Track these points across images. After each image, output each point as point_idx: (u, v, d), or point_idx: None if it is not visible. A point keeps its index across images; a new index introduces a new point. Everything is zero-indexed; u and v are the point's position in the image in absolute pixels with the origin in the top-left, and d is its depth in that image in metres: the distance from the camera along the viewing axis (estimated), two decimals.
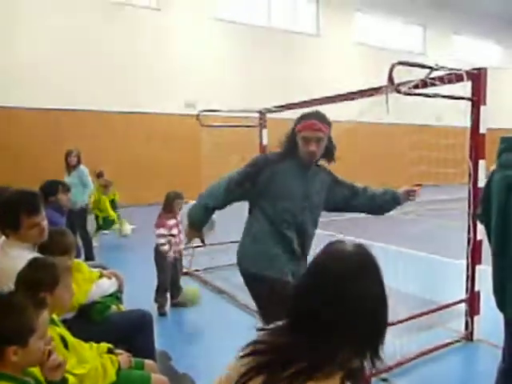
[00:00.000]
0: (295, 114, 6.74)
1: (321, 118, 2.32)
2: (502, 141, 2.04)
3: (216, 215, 2.62)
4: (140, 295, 3.98)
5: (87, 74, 12.52)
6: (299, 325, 1.09)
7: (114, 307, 2.62)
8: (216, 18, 14.83)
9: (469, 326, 3.51)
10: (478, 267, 3.48)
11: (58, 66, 12.18)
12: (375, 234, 6.44)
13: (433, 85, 3.22)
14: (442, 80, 3.25)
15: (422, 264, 5.95)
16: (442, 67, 3.14)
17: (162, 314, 4.22)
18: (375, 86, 3.51)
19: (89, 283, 2.53)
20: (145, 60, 13.43)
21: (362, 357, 1.08)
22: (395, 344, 2.90)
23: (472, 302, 3.49)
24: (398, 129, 15.15)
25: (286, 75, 15.69)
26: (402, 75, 3.04)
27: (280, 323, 1.16)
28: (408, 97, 3.16)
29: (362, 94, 3.93)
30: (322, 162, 2.53)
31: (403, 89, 3.03)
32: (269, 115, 5.91)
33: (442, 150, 4.48)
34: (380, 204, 2.61)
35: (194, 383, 2.91)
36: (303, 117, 2.35)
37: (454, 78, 3.22)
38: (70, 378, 1.64)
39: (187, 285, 3.75)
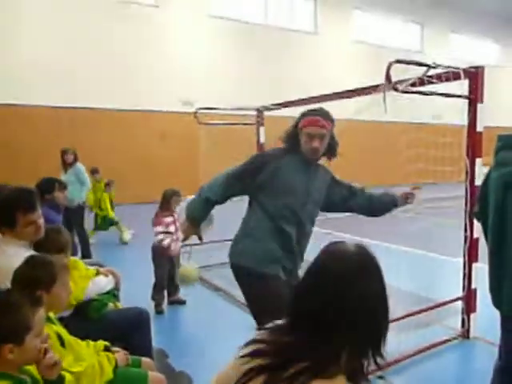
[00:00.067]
0: (292, 111, 6.73)
1: (325, 114, 2.32)
2: (499, 139, 2.05)
3: (214, 211, 2.58)
4: (137, 293, 3.98)
5: (85, 72, 12.50)
6: (300, 325, 1.09)
7: (110, 305, 2.61)
8: (213, 15, 14.80)
9: (465, 324, 3.52)
10: (474, 265, 3.49)
11: (56, 63, 12.14)
12: (372, 232, 6.45)
13: (430, 83, 3.22)
14: (439, 78, 3.26)
15: (420, 262, 5.96)
16: (440, 65, 3.14)
17: (159, 311, 4.22)
18: (373, 84, 3.51)
19: (85, 280, 2.52)
20: (142, 58, 13.39)
21: (364, 356, 1.08)
22: (392, 341, 2.90)
23: (468, 299, 3.50)
24: (396, 127, 15.17)
25: (284, 73, 15.68)
26: (399, 73, 3.03)
27: (279, 322, 1.16)
28: (405, 95, 3.16)
29: (360, 92, 3.93)
30: (324, 160, 2.52)
31: (401, 87, 3.03)
32: (266, 113, 5.90)
33: (439, 148, 4.49)
34: (377, 205, 2.60)
35: (191, 381, 2.92)
36: (307, 113, 2.34)
37: (452, 76, 3.22)
38: (67, 376, 1.64)
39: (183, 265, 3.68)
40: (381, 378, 2.83)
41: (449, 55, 19.22)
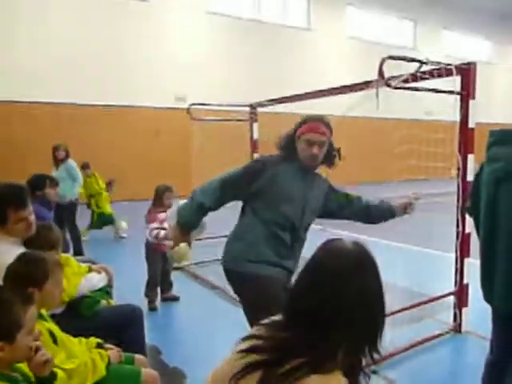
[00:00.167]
0: (286, 108, 6.71)
1: (324, 122, 2.29)
2: (490, 134, 2.06)
3: (207, 216, 2.44)
4: (130, 290, 3.97)
5: (81, 69, 12.39)
6: (297, 321, 1.09)
7: (103, 302, 2.60)
8: (206, 11, 14.73)
9: (457, 318, 3.55)
10: (466, 260, 3.52)
11: (53, 62, 12.06)
12: (365, 228, 6.46)
13: (423, 79, 3.23)
14: (431, 74, 3.27)
15: (412, 257, 6.00)
16: (432, 61, 3.15)
17: (152, 308, 4.21)
18: (366, 80, 3.51)
19: (78, 277, 2.51)
20: (134, 53, 13.31)
21: (361, 352, 1.08)
22: (385, 336, 2.92)
23: (460, 294, 3.53)
24: (388, 123, 15.24)
25: (278, 69, 15.66)
26: (392, 70, 3.04)
27: (277, 318, 1.16)
28: (398, 91, 3.16)
29: (353, 88, 3.94)
30: (323, 168, 2.47)
31: (393, 83, 3.04)
32: (259, 109, 5.89)
33: (431, 145, 4.50)
34: (374, 214, 2.57)
35: (184, 377, 2.92)
36: (307, 120, 2.30)
37: (444, 72, 3.23)
38: (59, 373, 1.63)
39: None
40: (374, 372, 2.84)
41: (441, 52, 19.29)
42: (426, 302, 3.64)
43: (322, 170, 2.48)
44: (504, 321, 2.06)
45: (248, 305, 2.26)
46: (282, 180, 2.27)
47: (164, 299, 4.43)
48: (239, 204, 2.50)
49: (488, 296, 2.07)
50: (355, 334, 1.06)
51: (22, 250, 2.11)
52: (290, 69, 15.94)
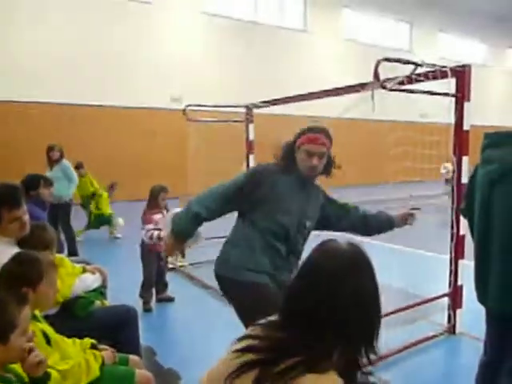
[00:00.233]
0: (281, 109, 6.71)
1: (325, 132, 2.26)
2: (485, 137, 2.07)
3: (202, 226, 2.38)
4: (125, 291, 3.95)
5: (72, 68, 12.35)
6: (292, 322, 1.09)
7: (97, 302, 2.59)
8: (203, 12, 14.73)
9: (451, 320, 3.56)
10: (461, 262, 3.53)
11: (52, 62, 12.02)
12: None
13: (418, 81, 3.25)
14: (427, 76, 3.29)
15: (407, 259, 6.02)
16: (427, 64, 3.17)
17: (147, 309, 4.19)
18: (362, 82, 3.52)
19: (72, 278, 2.50)
20: (134, 54, 13.29)
21: (357, 352, 1.09)
22: (379, 337, 2.93)
23: (455, 295, 3.54)
24: (383, 125, 15.31)
25: (274, 70, 15.68)
26: (387, 72, 3.05)
27: (272, 318, 1.16)
28: (394, 93, 3.18)
29: (348, 90, 3.95)
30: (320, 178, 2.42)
31: (389, 85, 3.05)
32: (255, 110, 5.89)
33: (426, 147, 4.52)
34: (373, 225, 2.51)
35: (179, 378, 2.91)
36: (307, 130, 2.25)
37: (439, 74, 3.25)
38: (53, 373, 1.62)
39: None
40: (369, 373, 2.85)
41: (437, 54, 19.40)
42: (420, 304, 3.66)
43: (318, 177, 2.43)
44: (498, 322, 2.07)
45: (246, 311, 2.20)
46: (281, 193, 2.23)
47: (159, 300, 4.42)
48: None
49: (482, 297, 2.08)
50: (351, 334, 1.06)
51: (16, 249, 2.09)
52: (287, 70, 15.96)
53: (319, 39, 17.49)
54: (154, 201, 4.29)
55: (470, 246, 2.34)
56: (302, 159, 2.24)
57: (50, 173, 5.81)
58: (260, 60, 15.60)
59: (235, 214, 2.41)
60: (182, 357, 3.25)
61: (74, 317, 2.42)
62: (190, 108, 5.87)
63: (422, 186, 10.97)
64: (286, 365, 0.98)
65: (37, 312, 1.87)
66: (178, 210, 2.40)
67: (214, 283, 4.97)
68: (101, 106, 12.83)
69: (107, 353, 2.06)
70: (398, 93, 3.25)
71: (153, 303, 4.31)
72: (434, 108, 4.43)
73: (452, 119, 3.43)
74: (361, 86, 3.41)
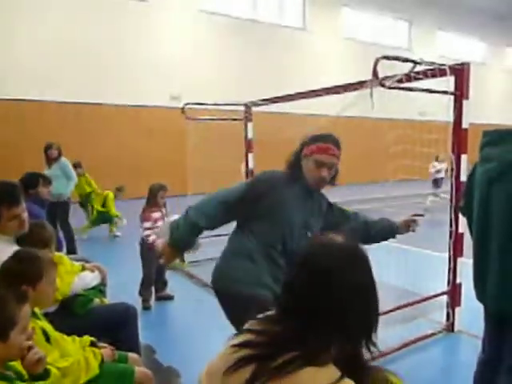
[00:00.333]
0: (280, 107, 6.68)
1: (336, 142, 2.14)
2: (484, 134, 2.07)
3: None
4: (125, 289, 3.96)
5: (72, 66, 12.33)
6: (289, 315, 1.09)
7: (97, 300, 2.59)
8: (202, 10, 14.71)
9: (450, 318, 3.57)
10: (459, 260, 3.54)
11: (48, 59, 11.99)
12: None
13: (417, 79, 3.25)
14: (425, 74, 3.28)
15: (406, 257, 6.01)
16: (426, 62, 3.17)
17: (146, 307, 4.20)
18: (361, 80, 3.52)
19: (71, 275, 2.50)
20: (133, 53, 13.28)
21: (356, 346, 1.09)
22: (378, 335, 2.93)
23: (453, 293, 3.55)
24: (382, 123, 15.34)
25: (272, 69, 15.67)
26: (386, 70, 3.05)
27: (270, 313, 1.17)
28: (393, 91, 3.18)
29: (347, 88, 3.94)
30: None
31: (387, 83, 3.05)
32: (254, 109, 5.89)
33: (425, 145, 4.53)
34: (375, 233, 2.42)
35: (178, 376, 2.92)
36: (317, 139, 2.12)
37: (438, 72, 3.25)
38: (53, 370, 1.62)
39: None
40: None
41: (435, 53, 19.39)
42: (418, 302, 3.66)
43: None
44: (496, 320, 2.08)
45: (243, 325, 2.14)
46: (284, 204, 2.11)
47: (158, 298, 4.43)
48: None
49: (481, 295, 2.08)
50: (348, 328, 1.06)
51: (15, 247, 2.10)
52: (286, 69, 15.95)
53: (318, 38, 17.48)
54: (153, 199, 4.29)
55: (468, 243, 2.34)
56: (309, 169, 2.12)
57: (49, 171, 5.80)
58: (259, 58, 15.59)
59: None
60: (181, 354, 3.25)
61: (74, 315, 2.43)
62: (188, 106, 5.86)
63: (421, 184, 11.00)
64: (284, 359, 0.99)
65: (36, 309, 1.88)
66: (176, 216, 2.28)
67: None
68: (100, 104, 12.82)
69: (106, 350, 2.06)
70: (396, 91, 3.24)
71: (152, 301, 4.32)
72: (432, 106, 4.44)
73: (451, 117, 3.44)
74: (360, 84, 3.41)
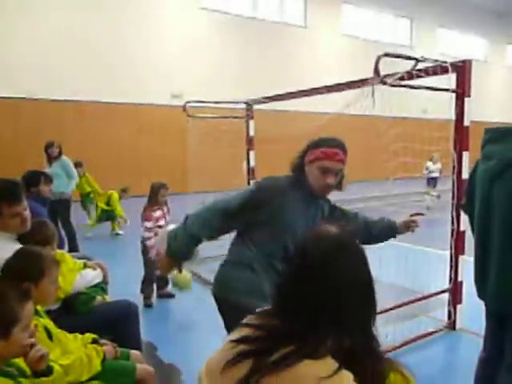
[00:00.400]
0: (281, 105, 6.66)
1: (342, 146, 2.04)
2: (485, 132, 2.07)
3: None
4: (126, 286, 3.96)
5: (72, 64, 12.33)
6: (285, 309, 1.10)
7: (98, 298, 2.60)
8: (203, 8, 14.68)
9: (451, 316, 3.57)
10: (461, 257, 3.54)
11: (49, 58, 11.99)
12: None
13: (418, 77, 3.24)
14: (427, 72, 3.27)
15: (406, 254, 6.01)
16: (427, 59, 3.16)
17: (148, 305, 4.21)
18: (362, 78, 3.51)
19: (73, 273, 2.50)
20: (131, 50, 13.26)
21: (354, 338, 1.08)
22: (379, 333, 2.93)
23: (455, 291, 3.55)
24: (383, 121, 15.29)
25: (274, 66, 15.65)
26: (388, 68, 3.04)
27: (267, 308, 1.17)
28: (394, 89, 3.17)
29: (348, 85, 3.93)
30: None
31: (389, 81, 3.04)
32: (256, 106, 5.88)
33: (426, 142, 4.52)
34: (374, 231, 2.38)
35: (179, 373, 2.93)
36: (321, 143, 2.01)
37: (440, 70, 3.24)
38: (56, 367, 1.63)
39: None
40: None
41: (436, 50, 19.35)
42: (420, 299, 3.66)
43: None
44: (497, 318, 2.08)
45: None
46: (287, 213, 2.03)
47: (160, 296, 4.43)
48: None
49: (482, 293, 2.08)
50: (344, 320, 1.06)
51: (17, 245, 2.10)
52: (287, 66, 15.93)
53: (319, 35, 17.44)
54: (154, 197, 4.30)
55: (470, 241, 2.33)
56: (314, 176, 2.01)
57: (50, 169, 5.81)
58: (260, 56, 15.57)
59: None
60: (182, 352, 3.26)
61: (76, 312, 2.43)
62: (190, 104, 5.86)
63: (422, 182, 10.99)
64: (281, 353, 0.99)
65: (39, 307, 1.88)
66: (174, 226, 2.21)
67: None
68: (101, 102, 12.81)
69: (108, 348, 2.07)
70: (398, 88, 3.24)
71: (153, 299, 4.33)
72: (434, 104, 4.43)
73: (452, 115, 3.42)
74: (361, 82, 3.40)
